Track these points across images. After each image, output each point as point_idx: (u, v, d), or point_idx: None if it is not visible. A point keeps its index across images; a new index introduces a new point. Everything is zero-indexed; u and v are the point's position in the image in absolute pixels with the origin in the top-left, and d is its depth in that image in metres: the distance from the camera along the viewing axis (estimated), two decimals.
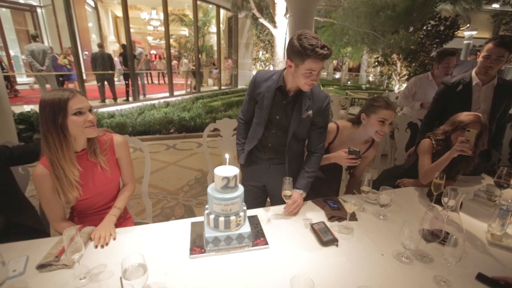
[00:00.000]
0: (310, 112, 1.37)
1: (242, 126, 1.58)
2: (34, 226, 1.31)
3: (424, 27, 8.59)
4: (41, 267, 0.93)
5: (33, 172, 1.12)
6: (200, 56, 11.19)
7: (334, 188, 1.82)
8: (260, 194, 1.63)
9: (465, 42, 14.59)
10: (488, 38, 1.97)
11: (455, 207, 1.16)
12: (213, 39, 13.37)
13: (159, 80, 14.34)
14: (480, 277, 0.94)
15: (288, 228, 1.23)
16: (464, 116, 1.55)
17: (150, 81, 14.01)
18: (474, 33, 14.23)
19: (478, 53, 1.89)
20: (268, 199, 1.72)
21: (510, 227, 1.24)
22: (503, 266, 1.05)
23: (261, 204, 1.67)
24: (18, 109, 5.09)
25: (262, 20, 8.86)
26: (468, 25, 14.47)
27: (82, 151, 1.20)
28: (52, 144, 1.08)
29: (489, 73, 1.82)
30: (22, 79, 9.99)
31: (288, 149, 1.45)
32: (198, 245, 1.07)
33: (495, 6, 13.50)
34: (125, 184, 1.40)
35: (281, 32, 8.41)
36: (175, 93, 8.93)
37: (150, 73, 14.07)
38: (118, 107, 6.29)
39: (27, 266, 0.94)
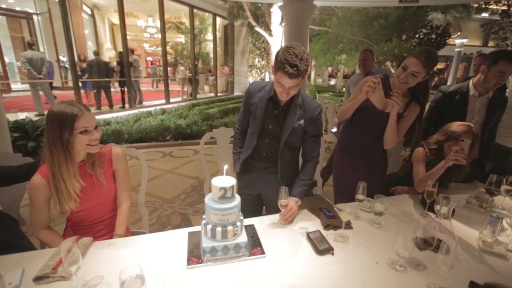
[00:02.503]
0: (302, 121, 1.40)
1: (238, 136, 1.61)
2: (18, 243, 1.28)
3: (417, 35, 8.81)
4: (38, 279, 0.92)
5: (30, 181, 1.13)
6: (196, 63, 11.27)
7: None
8: (255, 203, 1.65)
9: (456, 49, 14.94)
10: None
11: (447, 214, 1.19)
12: (209, 47, 13.48)
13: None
14: (472, 286, 0.96)
15: (284, 237, 1.24)
16: (456, 126, 1.59)
17: (156, 87, 14.21)
18: (465, 41, 14.60)
19: (482, 65, 1.87)
20: (264, 208, 1.74)
21: (500, 234, 1.27)
22: (495, 273, 1.07)
23: (257, 212, 1.68)
24: (12, 116, 5.05)
25: (258, 29, 9.00)
26: (459, 33, 14.82)
27: (80, 162, 1.21)
28: (57, 157, 1.10)
29: (491, 89, 1.82)
30: (17, 85, 9.93)
31: (281, 157, 1.47)
32: (195, 255, 1.08)
33: (484, 15, 13.90)
34: (120, 203, 1.35)
35: (277, 40, 8.54)
36: (172, 100, 8.95)
37: (158, 80, 14.22)
38: (114, 114, 6.28)
39: (23, 279, 0.94)
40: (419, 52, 1.46)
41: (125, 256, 1.08)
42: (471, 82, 1.93)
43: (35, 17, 10.27)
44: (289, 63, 1.18)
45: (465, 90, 1.93)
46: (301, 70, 1.19)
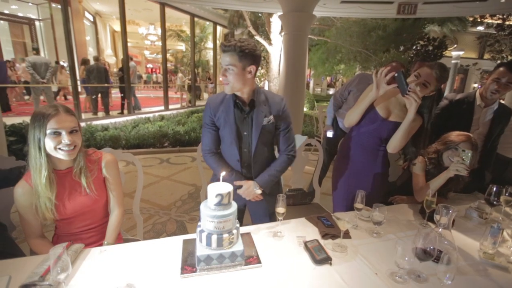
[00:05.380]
0: (271, 117, 1.40)
1: (213, 158, 1.48)
2: (5, 250, 1.24)
3: (414, 47, 8.94)
4: (24, 287, 0.89)
5: (15, 187, 1.10)
6: (197, 71, 11.35)
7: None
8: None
9: (453, 61, 15.17)
10: (491, 61, 1.99)
11: (447, 224, 1.17)
12: (209, 54, 13.61)
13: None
14: None
15: (282, 246, 1.21)
16: (455, 136, 1.58)
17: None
18: (461, 53, 14.84)
19: (486, 75, 1.89)
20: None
21: (501, 245, 1.24)
22: (497, 286, 1.04)
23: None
24: (10, 120, 5.02)
25: (257, 37, 9.08)
26: (455, 45, 15.07)
27: (67, 169, 1.17)
28: (32, 161, 1.07)
29: (494, 97, 1.81)
30: None
31: (255, 157, 1.45)
32: (189, 264, 1.04)
33: (480, 28, 14.17)
34: (112, 210, 1.31)
35: (276, 49, 8.63)
36: (171, 106, 8.96)
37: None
38: (112, 120, 6.27)
39: (9, 287, 0.90)
40: (433, 64, 1.48)
41: (117, 264, 1.04)
42: (478, 92, 1.92)
43: (37, 23, 10.37)
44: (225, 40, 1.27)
45: (471, 100, 1.91)
46: (232, 44, 1.23)
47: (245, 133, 1.42)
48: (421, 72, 1.49)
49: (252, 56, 1.26)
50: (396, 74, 1.44)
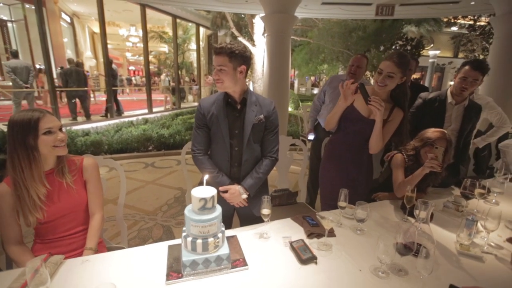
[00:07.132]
0: (261, 116, 1.46)
1: (205, 159, 1.50)
2: None
3: (393, 47, 9.23)
4: None
5: None
6: (180, 72, 11.20)
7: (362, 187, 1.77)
8: (225, 215, 1.58)
9: (430, 60, 15.82)
10: (465, 60, 2.08)
11: (426, 219, 1.22)
12: (193, 56, 13.46)
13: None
14: None
15: (268, 247, 1.22)
16: (431, 133, 1.65)
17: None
18: (437, 52, 15.51)
19: (455, 73, 1.99)
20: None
21: (476, 236, 1.31)
22: (472, 277, 1.09)
23: (227, 226, 1.62)
24: None
25: (241, 39, 9.09)
26: (431, 45, 15.70)
27: (49, 170, 1.18)
28: (18, 164, 1.07)
29: (463, 94, 1.92)
30: None
31: (245, 153, 1.48)
32: (175, 270, 1.03)
33: (454, 28, 14.84)
34: (92, 214, 1.30)
35: (260, 50, 8.68)
36: (154, 109, 8.79)
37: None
38: (94, 125, 6.08)
39: None
40: (391, 54, 1.55)
41: (99, 274, 1.01)
42: (449, 90, 2.02)
43: (9, 24, 9.89)
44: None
45: (443, 98, 2.01)
46: (223, 47, 1.31)
47: (236, 131, 1.45)
48: (381, 66, 1.56)
49: (242, 57, 1.34)
50: (358, 85, 1.53)
